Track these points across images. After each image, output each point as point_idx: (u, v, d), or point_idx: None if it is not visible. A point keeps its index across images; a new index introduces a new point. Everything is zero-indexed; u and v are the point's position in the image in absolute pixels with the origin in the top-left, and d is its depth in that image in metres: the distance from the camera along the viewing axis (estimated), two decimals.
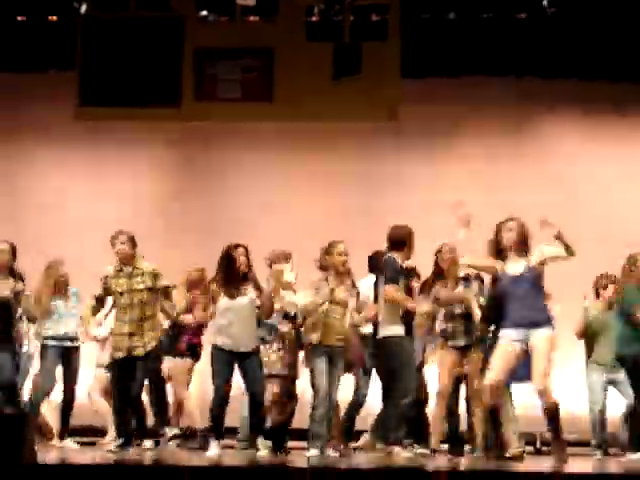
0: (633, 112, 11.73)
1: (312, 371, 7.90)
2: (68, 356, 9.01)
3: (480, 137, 11.92)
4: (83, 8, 11.25)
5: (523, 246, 7.12)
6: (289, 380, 8.49)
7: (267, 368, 8.20)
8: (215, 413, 7.74)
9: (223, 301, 7.80)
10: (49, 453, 7.76)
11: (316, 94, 11.23)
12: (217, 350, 7.78)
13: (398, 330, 7.88)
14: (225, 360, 7.74)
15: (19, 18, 11.58)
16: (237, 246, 7.94)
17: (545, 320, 7.03)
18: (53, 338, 8.95)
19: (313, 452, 7.73)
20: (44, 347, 8.96)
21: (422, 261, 8.55)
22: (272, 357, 8.33)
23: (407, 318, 7.98)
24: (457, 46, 11.48)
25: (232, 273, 7.82)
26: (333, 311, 7.89)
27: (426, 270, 8.66)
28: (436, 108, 11.62)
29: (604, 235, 11.10)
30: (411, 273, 8.39)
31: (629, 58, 11.29)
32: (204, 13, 11.31)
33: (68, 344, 9.00)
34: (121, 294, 8.07)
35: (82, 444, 9.14)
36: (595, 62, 11.33)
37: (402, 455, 7.75)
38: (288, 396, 8.52)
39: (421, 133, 11.73)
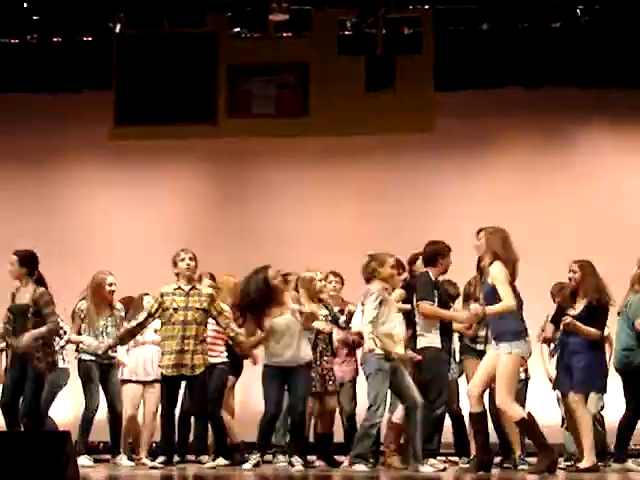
0: None
1: (374, 381, 7.78)
2: (107, 373, 8.88)
3: (516, 148, 11.86)
4: (117, 27, 11.31)
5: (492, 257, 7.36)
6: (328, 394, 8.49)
7: None
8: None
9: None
10: (93, 470, 7.80)
11: (350, 108, 11.25)
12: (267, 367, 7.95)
13: (435, 341, 8.00)
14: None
15: (54, 39, 11.66)
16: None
17: (506, 336, 7.19)
18: (93, 355, 8.80)
19: (359, 467, 7.64)
20: (83, 362, 8.82)
21: (456, 272, 8.52)
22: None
23: (445, 330, 8.06)
24: (491, 57, 11.43)
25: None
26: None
27: (461, 280, 8.68)
28: (471, 120, 11.57)
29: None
30: (447, 287, 8.41)
31: None
32: (237, 29, 11.33)
33: (106, 362, 8.89)
34: (175, 310, 8.11)
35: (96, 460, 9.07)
36: (630, 70, 11.23)
37: (435, 467, 7.74)
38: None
39: (456, 145, 11.68)
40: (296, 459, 7.98)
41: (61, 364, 9.15)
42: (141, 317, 8.32)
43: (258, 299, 7.94)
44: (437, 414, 7.99)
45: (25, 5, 10.95)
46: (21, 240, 11.13)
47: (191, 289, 8.19)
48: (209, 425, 8.44)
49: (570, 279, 8.06)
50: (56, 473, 5.62)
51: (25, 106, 11.82)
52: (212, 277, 9.07)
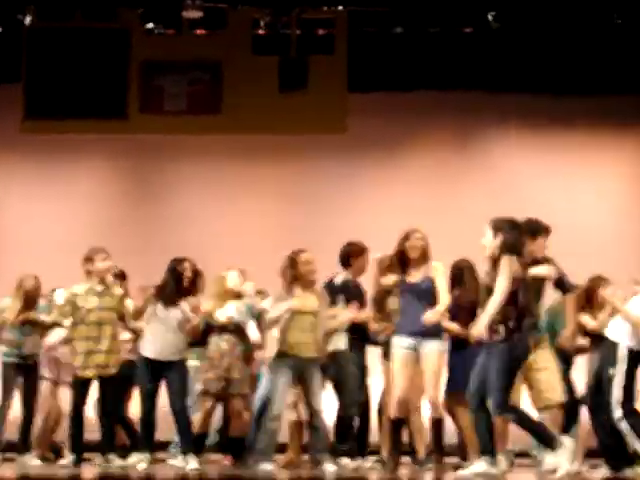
0: (579, 126, 11.90)
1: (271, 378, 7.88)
2: (28, 373, 8.84)
3: (427, 150, 12.03)
4: (27, 19, 11.13)
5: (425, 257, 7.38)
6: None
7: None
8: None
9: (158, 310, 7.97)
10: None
11: (263, 107, 11.27)
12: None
13: (338, 344, 8.01)
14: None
15: None
16: (184, 260, 8.05)
17: (436, 331, 7.29)
18: (12, 356, 8.76)
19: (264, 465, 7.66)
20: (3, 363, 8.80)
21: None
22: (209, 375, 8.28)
23: (355, 331, 8.09)
24: (404, 60, 11.54)
25: (177, 286, 7.96)
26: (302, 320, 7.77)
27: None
28: (383, 122, 11.68)
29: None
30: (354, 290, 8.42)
31: (573, 72, 11.45)
32: (150, 26, 11.24)
33: (29, 362, 8.80)
34: (89, 311, 8.05)
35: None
36: (539, 76, 11.46)
37: (350, 466, 7.79)
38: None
39: (368, 146, 11.77)
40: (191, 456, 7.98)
41: None
42: (54, 316, 8.27)
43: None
44: (349, 414, 8.03)
45: None
46: None
47: (104, 289, 8.16)
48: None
49: None
50: None
51: None
52: (123, 275, 8.98)
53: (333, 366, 8.03)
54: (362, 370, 8.27)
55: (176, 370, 7.99)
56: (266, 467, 7.58)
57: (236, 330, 8.27)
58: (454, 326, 7.73)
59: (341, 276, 8.19)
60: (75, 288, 8.16)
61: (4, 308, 8.72)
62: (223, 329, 8.24)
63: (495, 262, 6.53)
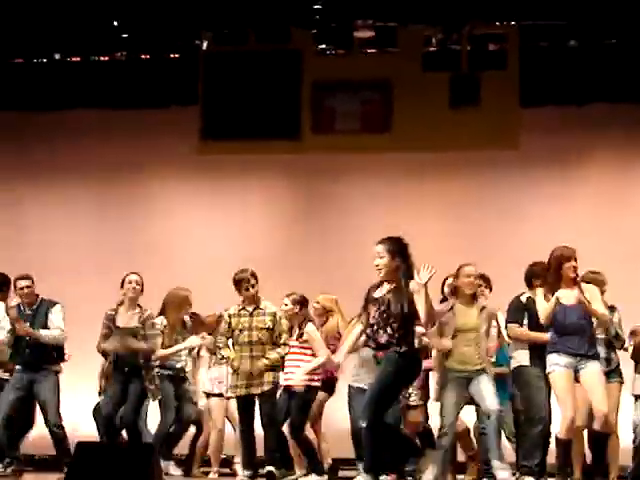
0: None
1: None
2: (180, 387, 9.12)
3: (604, 165, 11.69)
4: (205, 45, 11.47)
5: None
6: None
7: None
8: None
9: None
10: None
11: (435, 124, 11.24)
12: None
13: (523, 360, 8.01)
14: None
15: (142, 56, 11.88)
16: None
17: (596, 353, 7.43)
18: (168, 369, 9.00)
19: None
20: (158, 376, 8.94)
21: None
22: None
23: (536, 348, 8.01)
24: (578, 73, 11.31)
25: None
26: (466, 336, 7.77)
27: None
28: (557, 136, 11.45)
29: None
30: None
31: None
32: (322, 46, 11.39)
33: (181, 375, 9.12)
34: (241, 331, 8.22)
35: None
36: None
37: None
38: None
39: (540, 162, 11.56)
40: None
41: None
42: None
43: None
44: (535, 431, 7.91)
45: (115, 23, 11.18)
46: (108, 254, 11.42)
47: (254, 309, 8.31)
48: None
49: None
50: None
51: (114, 121, 12.01)
52: (303, 301, 9.03)
53: (518, 382, 8.02)
54: (546, 386, 8.16)
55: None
56: None
57: None
58: None
59: (526, 295, 8.16)
60: (230, 309, 8.38)
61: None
62: None
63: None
